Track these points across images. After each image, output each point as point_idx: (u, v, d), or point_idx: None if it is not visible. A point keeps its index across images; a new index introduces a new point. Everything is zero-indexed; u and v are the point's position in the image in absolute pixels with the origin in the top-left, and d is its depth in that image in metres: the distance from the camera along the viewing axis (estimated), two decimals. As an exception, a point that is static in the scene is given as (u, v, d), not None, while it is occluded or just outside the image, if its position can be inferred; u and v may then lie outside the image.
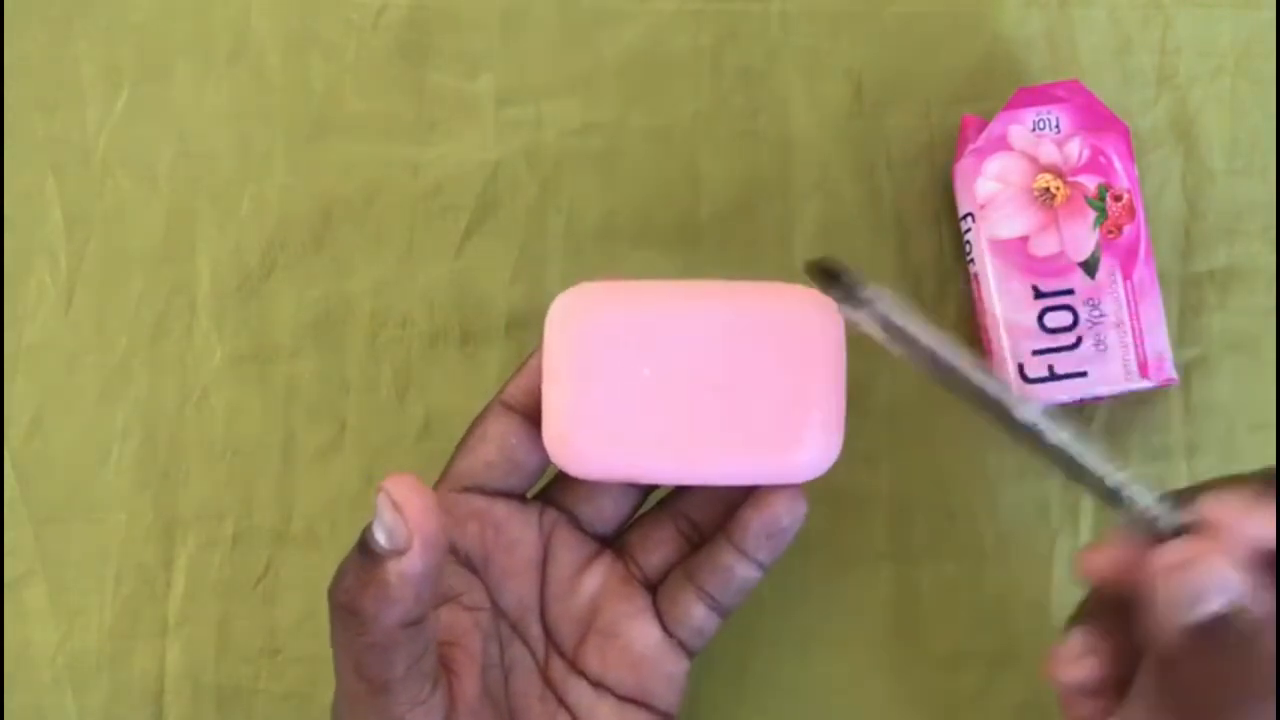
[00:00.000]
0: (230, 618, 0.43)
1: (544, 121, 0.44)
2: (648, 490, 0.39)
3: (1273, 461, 0.43)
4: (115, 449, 0.43)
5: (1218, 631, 0.28)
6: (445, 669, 0.34)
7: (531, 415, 0.36)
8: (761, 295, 0.36)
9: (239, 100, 0.44)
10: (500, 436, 0.36)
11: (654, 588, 0.38)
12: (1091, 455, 0.31)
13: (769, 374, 0.35)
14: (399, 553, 0.29)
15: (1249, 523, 0.29)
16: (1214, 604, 0.28)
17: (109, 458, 0.43)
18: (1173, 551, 0.29)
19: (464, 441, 0.37)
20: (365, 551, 0.30)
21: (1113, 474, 0.30)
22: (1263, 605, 0.28)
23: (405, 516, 0.29)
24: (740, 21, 0.44)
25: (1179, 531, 0.30)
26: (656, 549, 0.38)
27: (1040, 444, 0.31)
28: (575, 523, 0.38)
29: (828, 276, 0.33)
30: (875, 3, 0.45)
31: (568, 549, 0.37)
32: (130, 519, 0.43)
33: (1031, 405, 0.31)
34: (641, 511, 0.39)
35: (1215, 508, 0.30)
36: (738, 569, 0.36)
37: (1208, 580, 0.28)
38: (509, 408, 0.36)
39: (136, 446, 0.43)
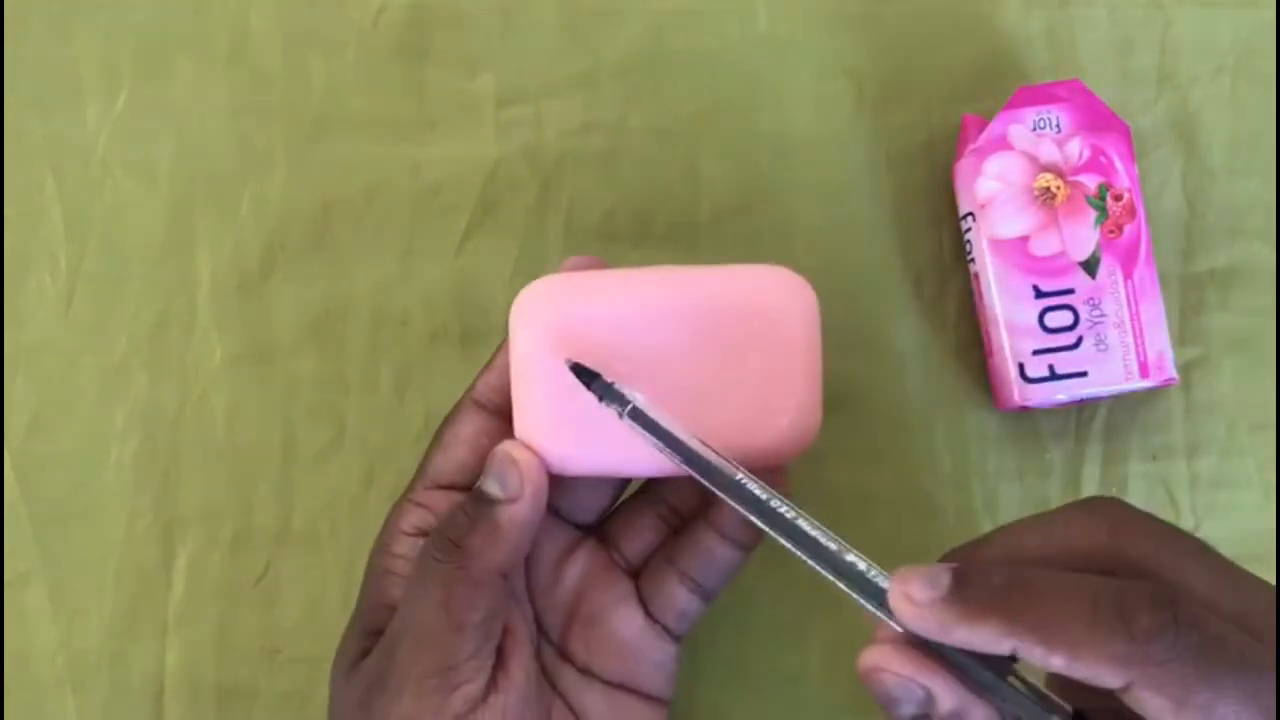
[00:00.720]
0: (230, 618, 0.43)
1: (544, 121, 0.44)
2: (626, 479, 0.38)
3: (1273, 462, 0.43)
4: (115, 449, 0.43)
5: None
6: (500, 651, 0.34)
7: (503, 413, 0.35)
8: (728, 278, 0.35)
9: (239, 100, 0.44)
10: (473, 438, 0.36)
11: (637, 574, 0.38)
12: (844, 548, 0.31)
13: (741, 356, 0.34)
14: (511, 500, 0.33)
15: (930, 624, 0.29)
16: (905, 711, 0.29)
17: (109, 458, 0.43)
18: (864, 656, 0.30)
19: (437, 440, 0.36)
20: (478, 499, 0.33)
21: (858, 560, 0.31)
22: (961, 699, 0.29)
23: (520, 469, 0.33)
24: (740, 21, 0.44)
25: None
26: (638, 536, 0.38)
27: (792, 533, 0.31)
28: (555, 513, 0.37)
29: (584, 377, 0.33)
30: (875, 3, 0.45)
31: (549, 539, 0.37)
32: (130, 519, 0.43)
33: (785, 502, 0.31)
34: (623, 498, 0.39)
35: (899, 604, 0.29)
36: (718, 551, 0.36)
37: (891, 690, 0.29)
38: (480, 406, 0.36)
39: (136, 446, 0.43)
